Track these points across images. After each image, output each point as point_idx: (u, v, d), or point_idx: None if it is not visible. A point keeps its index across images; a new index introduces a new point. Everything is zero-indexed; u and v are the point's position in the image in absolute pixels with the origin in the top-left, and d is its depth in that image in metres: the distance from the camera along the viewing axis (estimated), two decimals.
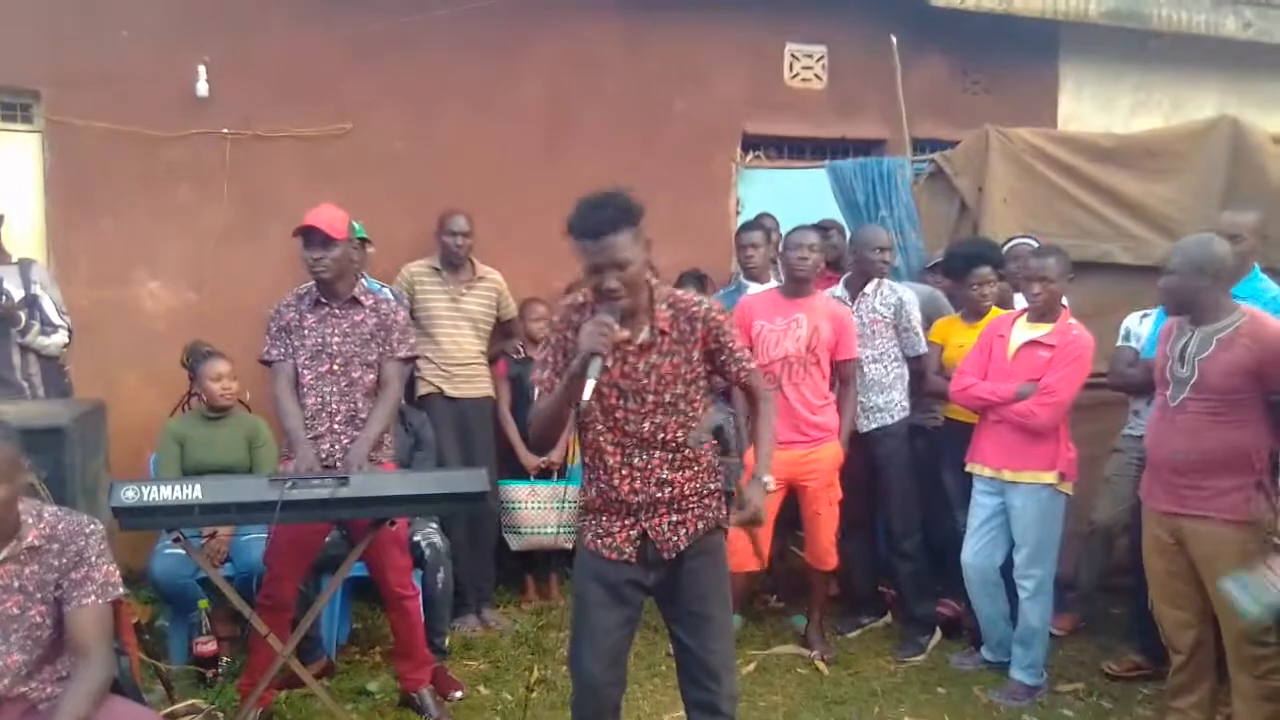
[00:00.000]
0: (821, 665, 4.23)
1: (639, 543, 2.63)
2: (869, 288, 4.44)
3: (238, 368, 4.35)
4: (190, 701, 3.55)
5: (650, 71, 5.56)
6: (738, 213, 5.80)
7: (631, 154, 5.49)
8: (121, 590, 2.48)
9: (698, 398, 2.63)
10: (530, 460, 4.91)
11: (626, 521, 2.63)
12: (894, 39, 5.30)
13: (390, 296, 4.73)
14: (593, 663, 2.66)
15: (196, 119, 4.79)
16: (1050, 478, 3.84)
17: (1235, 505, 3.15)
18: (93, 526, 2.44)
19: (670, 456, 2.60)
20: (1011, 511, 3.92)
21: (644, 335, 2.55)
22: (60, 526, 2.39)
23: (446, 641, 4.24)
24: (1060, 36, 6.24)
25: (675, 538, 2.62)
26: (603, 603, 2.65)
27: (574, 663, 2.71)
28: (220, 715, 3.56)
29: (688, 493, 2.63)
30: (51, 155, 4.66)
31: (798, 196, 5.68)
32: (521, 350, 5.00)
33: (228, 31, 4.81)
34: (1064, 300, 4.00)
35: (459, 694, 3.94)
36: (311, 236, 3.51)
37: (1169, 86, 6.60)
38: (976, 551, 4.02)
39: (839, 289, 4.55)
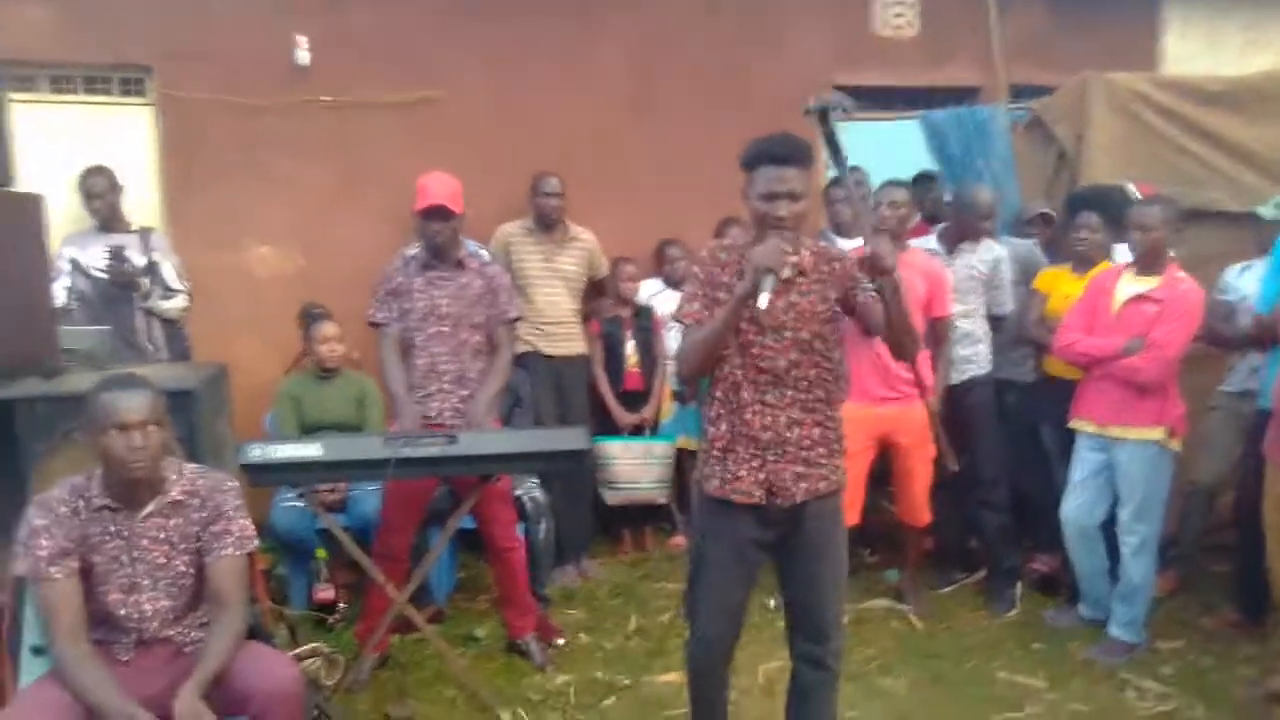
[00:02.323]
0: (915, 619, 4.28)
1: (766, 486, 2.66)
2: (966, 243, 4.38)
3: (345, 328, 4.53)
4: (313, 645, 3.76)
5: (733, 28, 5.53)
6: (825, 168, 5.75)
7: (716, 112, 5.48)
8: (256, 543, 2.65)
9: (832, 339, 2.69)
10: (623, 417, 5.02)
11: (754, 464, 2.66)
12: None
13: (486, 259, 4.89)
14: (712, 619, 2.76)
15: (298, 88, 4.94)
16: (1158, 434, 3.78)
17: None
18: (230, 483, 2.62)
19: (802, 397, 2.65)
20: (1117, 468, 3.87)
21: (787, 272, 2.60)
22: (200, 483, 2.57)
23: (548, 591, 4.39)
24: None
25: (795, 489, 2.66)
26: (724, 561, 2.72)
27: (693, 617, 2.81)
28: (340, 658, 3.77)
29: (816, 440, 2.67)
30: (164, 127, 4.86)
31: (890, 149, 5.60)
32: (613, 309, 5.10)
33: (325, 3, 4.93)
34: (1171, 252, 3.91)
35: (561, 640, 4.10)
36: (435, 211, 3.62)
37: None
38: (1078, 506, 3.99)
39: (933, 241, 4.51)
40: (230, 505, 2.57)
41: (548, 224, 4.99)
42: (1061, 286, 4.35)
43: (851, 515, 4.18)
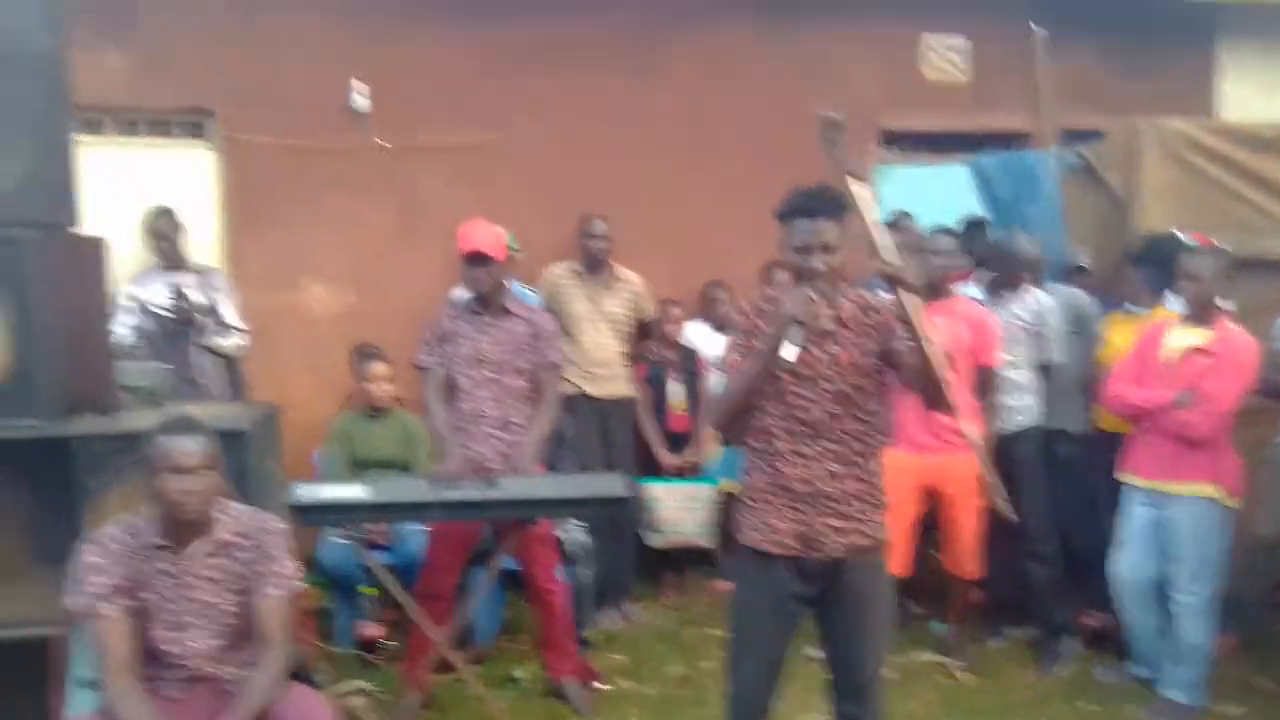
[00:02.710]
0: (961, 675, 4.20)
1: (802, 538, 2.65)
2: (1009, 292, 4.34)
3: (396, 367, 4.61)
4: (356, 683, 3.82)
5: (784, 73, 5.57)
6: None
7: (766, 157, 5.50)
8: (300, 583, 2.70)
9: (871, 390, 2.68)
10: (668, 459, 5.03)
11: (790, 514, 2.65)
12: (1037, 31, 5.15)
13: (532, 300, 4.96)
14: (750, 672, 2.74)
15: (355, 132, 5.07)
16: (1211, 490, 3.70)
17: None
18: (277, 524, 2.67)
19: (840, 450, 2.64)
20: (1169, 525, 3.78)
21: (827, 325, 2.63)
22: (248, 523, 2.63)
23: (590, 634, 4.39)
24: (1218, 17, 5.93)
25: (833, 543, 2.64)
26: (762, 614, 2.71)
27: (731, 670, 2.79)
28: (383, 698, 3.82)
29: (853, 494, 2.66)
30: (226, 169, 5.02)
31: (938, 193, 5.60)
32: (659, 351, 5.13)
33: (382, 49, 5.09)
34: (1223, 303, 3.85)
35: (601, 684, 4.09)
36: (474, 257, 3.69)
37: None
38: (1128, 564, 3.90)
39: (974, 288, 4.47)
40: (276, 546, 2.63)
41: (594, 266, 5.05)
42: (1116, 336, 4.30)
43: (899, 567, 4.17)
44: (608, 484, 3.32)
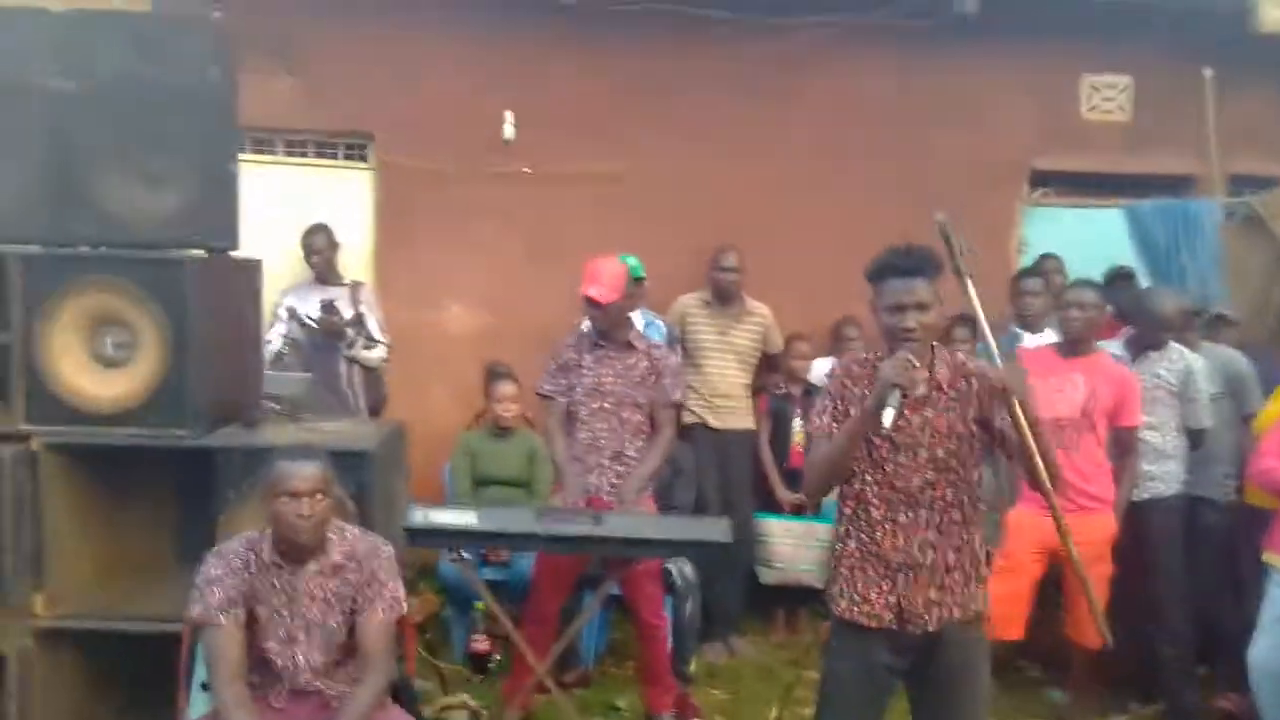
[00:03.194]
0: None
1: (896, 610, 2.62)
2: (1154, 351, 4.13)
3: (526, 387, 4.75)
4: (462, 697, 3.97)
5: (924, 106, 5.47)
6: (1020, 254, 5.57)
7: (902, 193, 5.41)
8: (405, 607, 2.83)
9: (969, 457, 2.63)
10: (786, 495, 5.00)
11: (884, 585, 2.62)
12: (1208, 73, 4.87)
13: (662, 329, 5.02)
14: None
15: (501, 159, 5.27)
16: None
17: None
18: (386, 549, 2.82)
19: (937, 518, 2.60)
20: None
21: (922, 389, 2.58)
22: (359, 547, 2.78)
23: (692, 668, 4.41)
24: None
25: (929, 615, 2.60)
26: (853, 683, 2.68)
27: None
28: (485, 713, 3.95)
29: (950, 565, 2.61)
30: (381, 191, 5.30)
31: (1089, 238, 5.40)
32: (783, 386, 5.10)
33: (527, 80, 5.27)
34: None
35: None
36: (589, 300, 3.81)
37: None
38: (1268, 651, 3.64)
39: (1118, 346, 4.27)
40: (385, 570, 2.77)
41: (724, 297, 5.07)
42: (1274, 405, 4.02)
43: (1015, 629, 4.06)
44: (711, 528, 3.33)
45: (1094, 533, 3.93)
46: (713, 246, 5.17)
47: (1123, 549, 4.01)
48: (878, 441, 2.58)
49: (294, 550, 2.67)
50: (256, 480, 3.11)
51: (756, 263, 5.12)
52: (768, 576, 5.00)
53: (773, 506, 5.02)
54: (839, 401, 2.66)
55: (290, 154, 5.35)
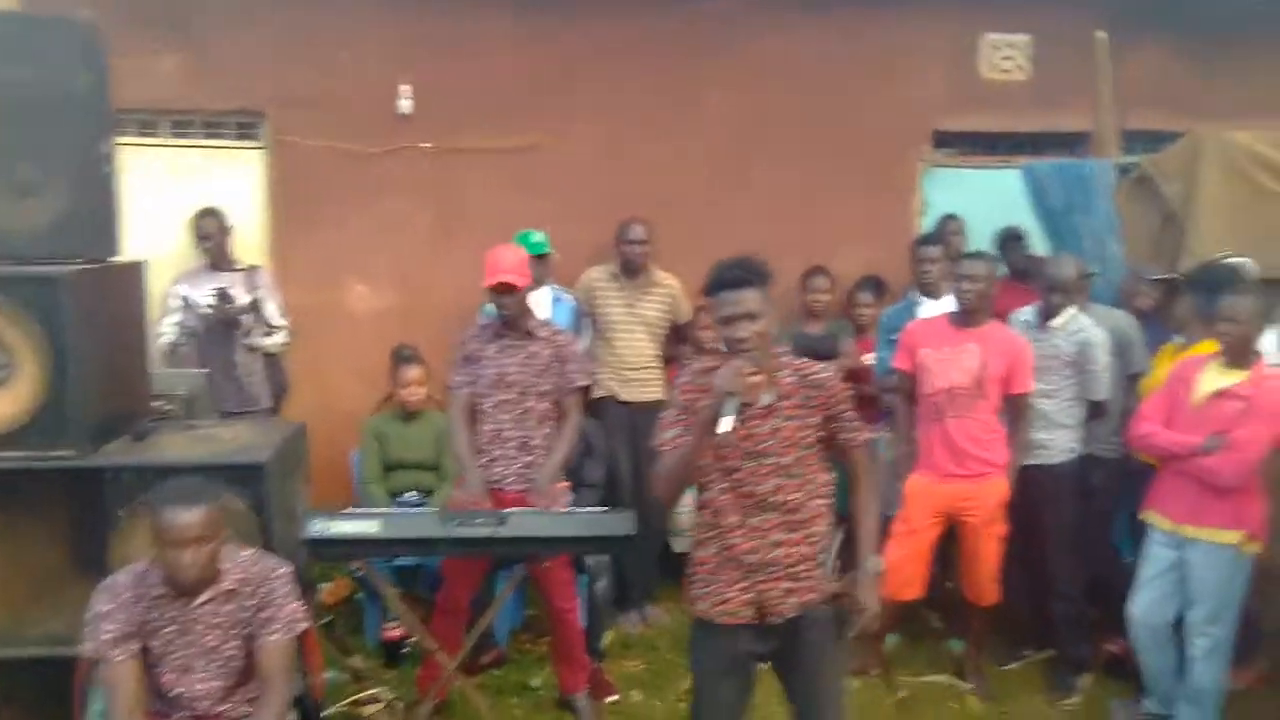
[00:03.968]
0: (973, 701, 4.21)
1: (755, 606, 2.74)
2: (1057, 320, 4.22)
3: (435, 368, 4.72)
4: (373, 691, 4.00)
5: (838, 74, 5.46)
6: (922, 214, 5.64)
7: (817, 159, 5.47)
8: (305, 624, 2.83)
9: (815, 462, 2.76)
10: None
11: (741, 585, 2.74)
12: (1102, 36, 4.93)
13: (570, 304, 5.01)
14: None
15: (401, 135, 5.14)
16: (1234, 537, 3.60)
17: None
18: (281, 569, 2.80)
19: (786, 519, 2.72)
20: (1189, 568, 3.71)
21: (768, 398, 2.68)
22: (254, 570, 2.76)
23: (605, 644, 4.50)
24: None
25: (785, 604, 2.73)
26: (721, 673, 2.80)
27: None
28: (399, 704, 3.99)
29: (803, 557, 2.74)
30: (274, 171, 5.15)
31: (991, 197, 5.46)
32: (692, 356, 5.13)
33: (430, 53, 5.13)
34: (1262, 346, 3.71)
35: (613, 698, 4.20)
36: (501, 287, 3.76)
37: None
38: (1147, 604, 3.84)
39: (1029, 313, 4.37)
40: (281, 591, 2.76)
41: (631, 270, 5.07)
42: (1160, 365, 4.17)
43: (914, 589, 4.21)
44: (617, 521, 3.37)
45: (988, 497, 4.08)
46: (624, 218, 5.15)
47: (1016, 510, 4.16)
48: (728, 451, 2.66)
49: (181, 590, 2.64)
50: (147, 498, 3.07)
51: (667, 233, 5.11)
52: (680, 545, 5.07)
53: None
54: (687, 414, 2.72)
55: (177, 135, 5.15)
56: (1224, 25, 5.43)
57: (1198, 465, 3.62)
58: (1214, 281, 4.05)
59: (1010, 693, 4.29)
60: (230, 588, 2.71)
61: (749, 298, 2.60)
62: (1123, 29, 5.41)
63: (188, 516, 2.55)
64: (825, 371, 2.78)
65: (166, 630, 2.67)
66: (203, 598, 2.68)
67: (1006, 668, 4.48)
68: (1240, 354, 3.62)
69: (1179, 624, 3.80)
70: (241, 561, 2.76)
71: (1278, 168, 4.63)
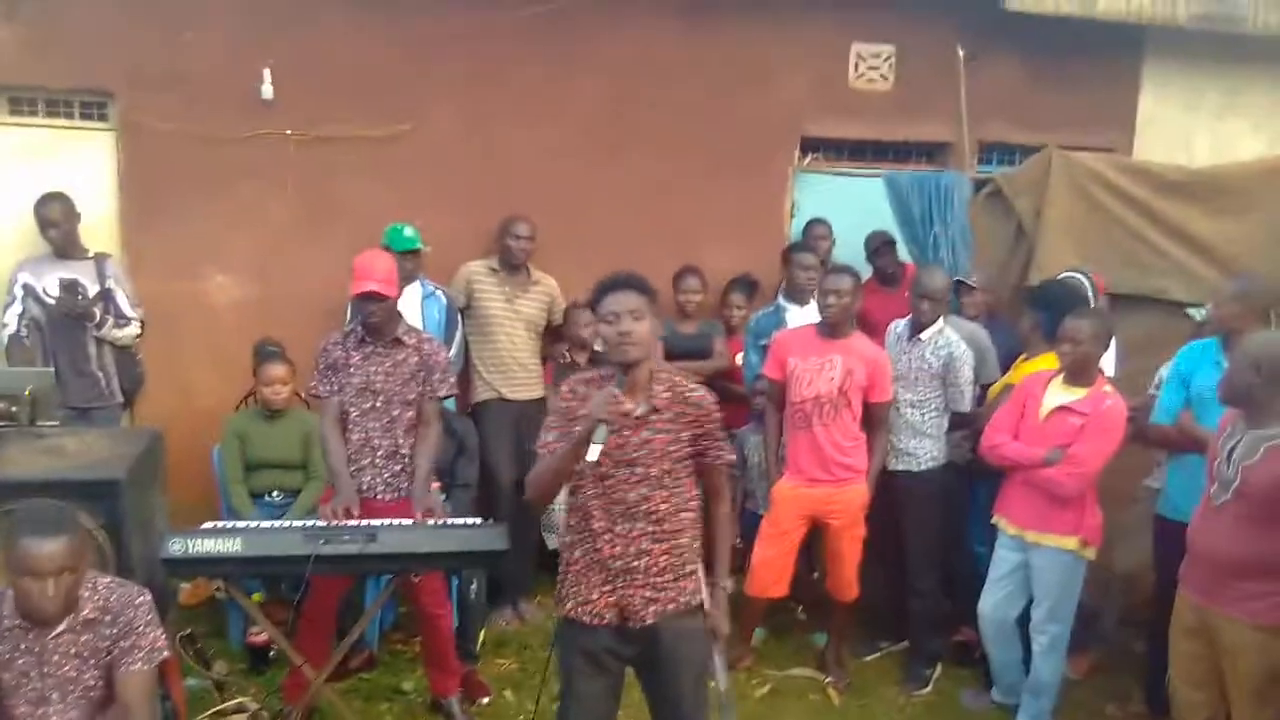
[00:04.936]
0: (834, 693, 4.40)
1: (617, 609, 2.82)
2: (925, 333, 4.40)
3: (300, 361, 4.56)
4: (238, 700, 3.89)
5: (711, 73, 5.49)
6: (791, 216, 5.77)
7: (688, 157, 5.50)
8: (166, 653, 2.73)
9: (684, 476, 2.85)
10: None
11: (605, 589, 2.82)
12: (960, 50, 5.14)
13: (442, 300, 4.93)
14: None
15: (261, 120, 4.93)
16: (1072, 543, 3.87)
17: (1263, 611, 3.10)
18: (141, 598, 2.69)
19: (652, 529, 2.80)
20: (1032, 570, 3.97)
21: (641, 409, 2.76)
22: (113, 599, 2.64)
23: (478, 646, 4.49)
24: (1145, 36, 5.95)
25: (646, 611, 2.81)
26: (586, 672, 2.87)
27: None
28: (265, 715, 3.89)
29: (664, 567, 2.82)
30: (125, 154, 4.86)
31: (856, 202, 5.64)
32: (568, 355, 5.14)
33: (291, 35, 4.91)
34: (1108, 362, 3.97)
35: (486, 699, 4.21)
36: (368, 296, 3.66)
37: (1261, 87, 6.26)
38: (995, 602, 4.09)
39: (903, 325, 4.54)
40: (141, 620, 2.65)
41: (513, 266, 5.04)
42: (1013, 376, 4.40)
43: (780, 588, 4.38)
44: (487, 538, 3.36)
45: (850, 501, 4.26)
46: (495, 211, 5.11)
47: (878, 511, 4.35)
48: (599, 459, 2.70)
49: (39, 620, 2.51)
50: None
51: (543, 224, 5.09)
52: (554, 541, 5.10)
53: None
54: (565, 420, 2.80)
55: (16, 112, 4.79)
56: (1068, 45, 5.73)
57: (1041, 477, 3.86)
58: (1057, 300, 4.32)
59: (868, 684, 4.51)
60: (89, 616, 2.60)
61: (633, 298, 2.70)
62: (976, 45, 5.65)
63: (50, 547, 2.43)
64: (699, 391, 2.87)
65: (20, 662, 2.54)
66: (60, 628, 2.56)
67: (865, 659, 4.70)
68: (1081, 373, 3.87)
69: (1024, 620, 4.07)
70: (100, 589, 2.65)
71: (1120, 190, 4.96)
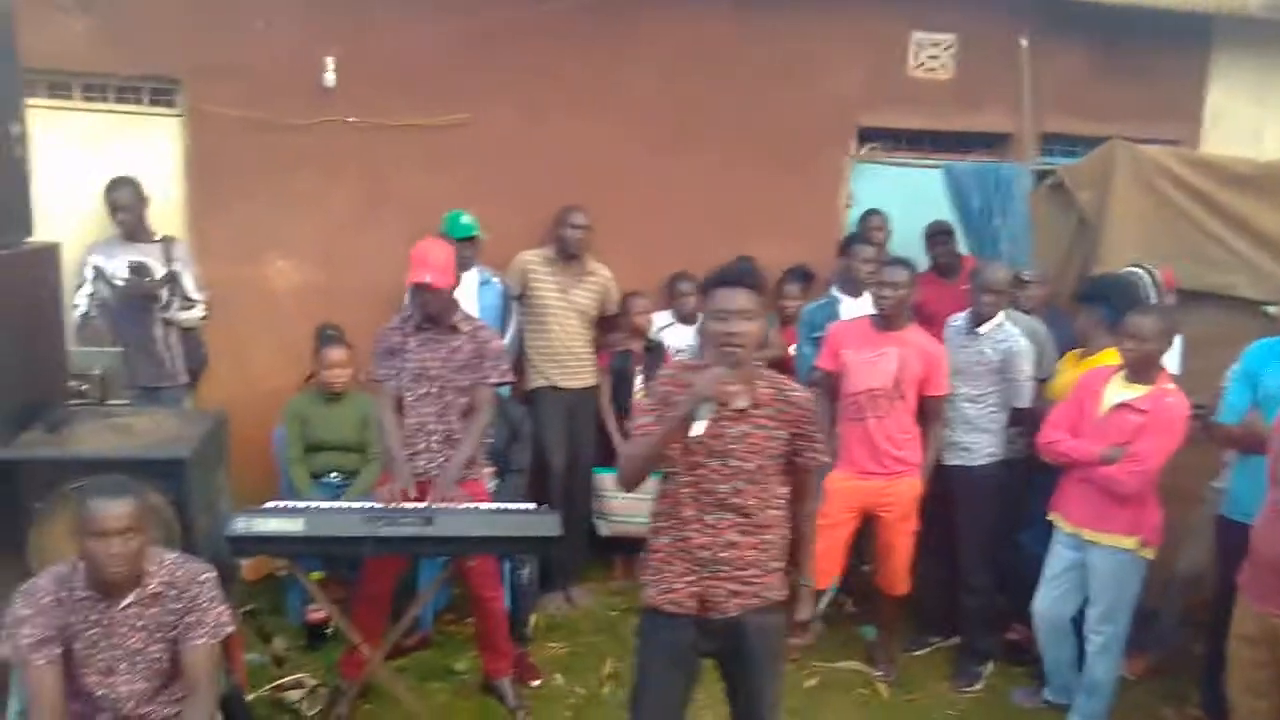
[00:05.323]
0: (882, 687, 4.39)
1: (699, 599, 2.80)
2: (985, 327, 4.34)
3: (358, 346, 4.65)
4: (296, 676, 3.99)
5: (764, 63, 5.47)
6: (847, 207, 5.73)
7: (743, 148, 5.49)
8: (231, 628, 2.81)
9: (775, 473, 2.81)
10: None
11: (689, 578, 2.80)
12: (1023, 42, 5.06)
13: (498, 287, 4.98)
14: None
15: (323, 108, 5.00)
16: (1131, 543, 3.81)
17: None
18: (206, 574, 2.76)
19: (741, 520, 2.78)
20: (1089, 569, 3.92)
21: (742, 403, 2.74)
22: (179, 574, 2.72)
23: (530, 629, 4.55)
24: (1213, 26, 5.81)
25: (729, 604, 2.79)
26: (665, 664, 2.87)
27: (634, 717, 2.93)
28: (323, 690, 3.99)
29: (750, 561, 2.80)
30: (191, 140, 4.96)
31: (913, 193, 5.59)
32: (625, 343, 5.17)
33: (353, 25, 4.98)
34: (1172, 359, 3.89)
35: (537, 682, 4.27)
36: (423, 286, 3.71)
37: None
38: (1050, 600, 4.04)
39: (962, 318, 4.49)
40: (205, 596, 2.72)
41: (568, 256, 5.06)
42: (1065, 371, 4.34)
43: (828, 579, 4.35)
44: (540, 524, 3.40)
45: (903, 494, 4.24)
46: (549, 201, 5.13)
47: (933, 505, 4.32)
48: (694, 448, 2.72)
49: (108, 587, 2.60)
50: (65, 491, 3.00)
51: (595, 215, 5.10)
52: (605, 529, 5.15)
53: (613, 461, 5.13)
54: (663, 406, 2.77)
55: (89, 99, 4.92)
56: (1135, 34, 5.61)
57: (1099, 475, 3.81)
58: (1115, 294, 4.24)
59: (917, 679, 4.48)
60: (155, 590, 2.67)
61: (743, 297, 2.67)
62: (1040, 34, 5.56)
63: (115, 507, 2.51)
64: (802, 391, 2.85)
65: (90, 633, 2.62)
66: (127, 600, 2.64)
67: (914, 654, 4.67)
68: (1143, 370, 3.80)
69: (1079, 619, 4.02)
70: (166, 564, 2.72)
71: (1187, 183, 4.83)
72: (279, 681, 3.95)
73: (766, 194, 5.53)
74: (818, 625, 4.71)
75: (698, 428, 2.59)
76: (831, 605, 4.97)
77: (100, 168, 4.78)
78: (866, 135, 5.72)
